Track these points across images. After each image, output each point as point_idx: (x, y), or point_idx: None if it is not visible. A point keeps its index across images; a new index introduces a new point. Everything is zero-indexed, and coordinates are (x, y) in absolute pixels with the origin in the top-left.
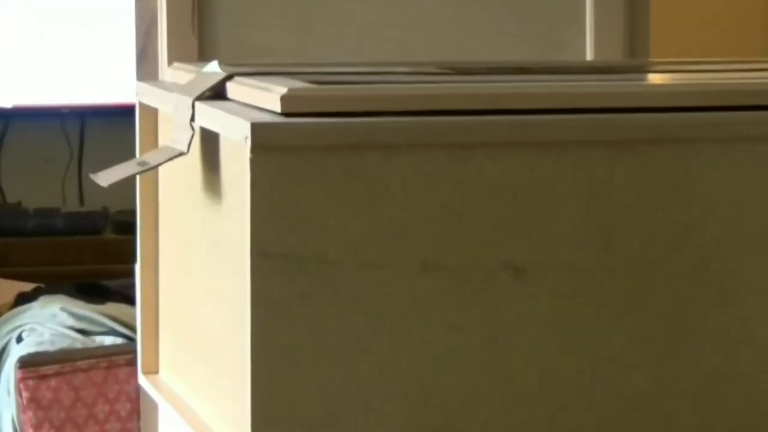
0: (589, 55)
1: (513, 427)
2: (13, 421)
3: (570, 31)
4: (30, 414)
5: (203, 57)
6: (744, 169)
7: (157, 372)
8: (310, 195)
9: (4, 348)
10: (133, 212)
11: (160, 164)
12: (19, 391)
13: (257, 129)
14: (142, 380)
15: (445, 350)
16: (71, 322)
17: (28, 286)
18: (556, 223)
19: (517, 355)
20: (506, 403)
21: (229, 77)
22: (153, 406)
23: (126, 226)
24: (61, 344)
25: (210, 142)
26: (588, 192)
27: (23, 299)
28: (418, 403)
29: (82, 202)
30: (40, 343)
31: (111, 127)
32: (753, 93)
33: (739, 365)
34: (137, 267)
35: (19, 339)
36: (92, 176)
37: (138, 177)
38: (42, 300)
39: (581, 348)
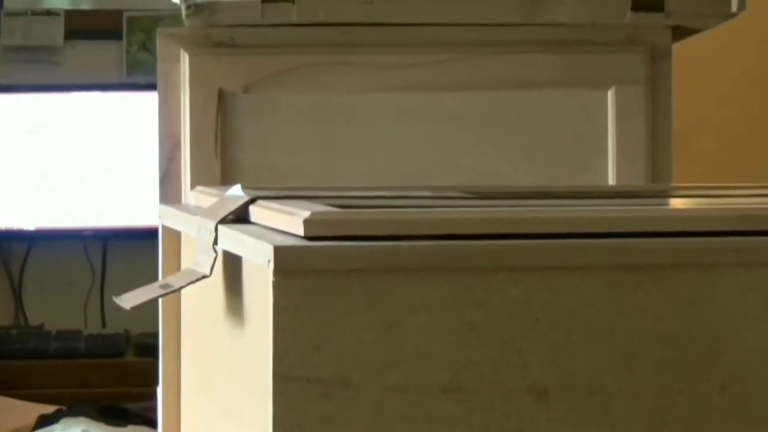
0: (612, 180)
1: None
2: None
3: (593, 156)
4: None
5: (226, 180)
6: (762, 289)
7: None
8: (333, 318)
9: None
10: (154, 335)
11: (183, 287)
12: None
13: (280, 253)
14: None
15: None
16: None
17: (49, 409)
18: (579, 346)
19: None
20: None
21: (252, 201)
22: None
23: (147, 348)
24: None
25: (233, 265)
26: (611, 316)
27: (45, 422)
28: None
29: (104, 324)
30: None
31: (133, 249)
32: None
33: None
34: (159, 389)
35: None
36: (115, 299)
37: (160, 300)
38: (63, 422)
39: None
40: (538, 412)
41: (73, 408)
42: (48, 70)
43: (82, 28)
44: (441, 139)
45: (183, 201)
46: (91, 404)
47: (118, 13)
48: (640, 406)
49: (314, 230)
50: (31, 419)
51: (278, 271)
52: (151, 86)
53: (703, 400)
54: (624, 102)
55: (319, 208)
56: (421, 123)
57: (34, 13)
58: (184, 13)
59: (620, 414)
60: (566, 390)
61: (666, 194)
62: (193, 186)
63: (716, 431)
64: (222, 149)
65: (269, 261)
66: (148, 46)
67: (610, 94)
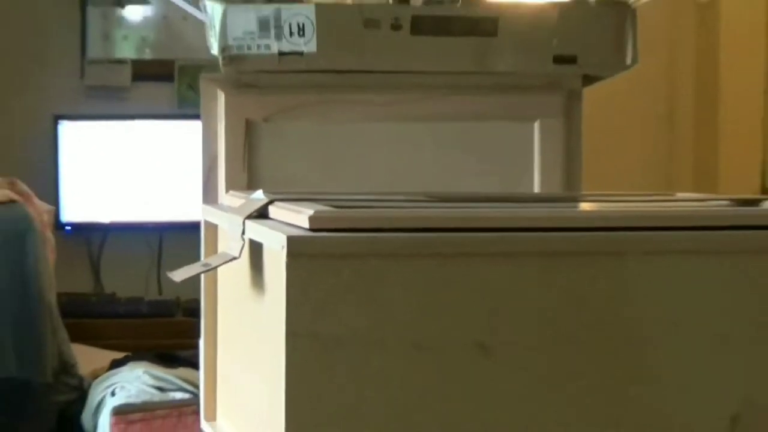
0: (537, 189)
1: None
2: None
3: (524, 171)
4: None
5: (251, 187)
6: (656, 273)
7: (215, 419)
8: (329, 291)
9: (102, 400)
10: (197, 301)
11: (218, 266)
12: None
13: (291, 241)
14: (204, 425)
15: (431, 412)
16: (152, 381)
17: (119, 355)
18: (512, 313)
19: (482, 411)
20: None
21: (270, 202)
22: None
23: (192, 311)
24: (144, 398)
25: (256, 250)
26: (539, 291)
27: (116, 364)
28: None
29: (160, 292)
30: (128, 397)
31: (182, 237)
32: (665, 216)
33: (653, 424)
34: (201, 342)
35: (113, 394)
36: (169, 274)
37: (202, 275)
38: (130, 365)
39: (532, 405)
40: (481, 360)
41: (137, 355)
42: (119, 104)
43: (144, 72)
44: (412, 157)
45: (219, 202)
46: (150, 352)
47: (171, 62)
48: (561, 360)
49: (316, 224)
50: (106, 362)
51: (290, 255)
52: (195, 116)
53: (611, 356)
54: (546, 131)
55: (320, 208)
56: (397, 145)
57: (110, 61)
58: (221, 62)
59: (546, 365)
60: (501, 345)
61: (576, 199)
62: (226, 191)
63: (619, 379)
64: (248, 164)
65: (283, 247)
66: (193, 87)
67: (536, 126)
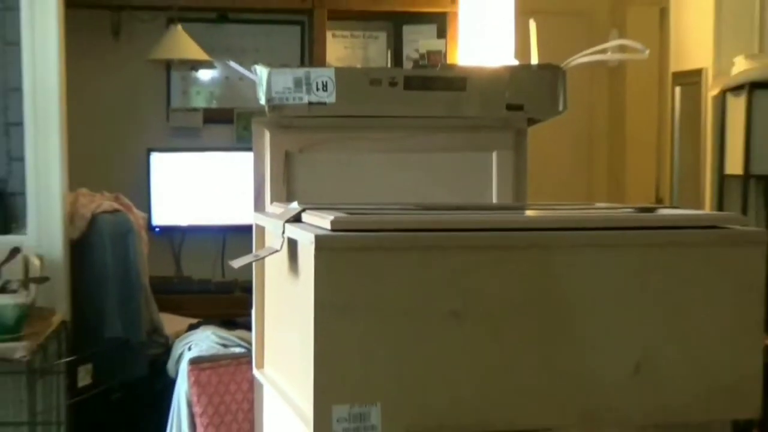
0: (494, 200)
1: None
2: (186, 397)
3: (485, 188)
4: (194, 391)
5: (289, 200)
6: (577, 261)
7: (263, 367)
8: (347, 274)
9: (181, 353)
10: (251, 281)
11: (265, 257)
12: (189, 378)
13: (318, 238)
14: (255, 372)
15: (417, 357)
16: (217, 340)
17: (194, 321)
18: (478, 290)
19: (454, 359)
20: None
21: (303, 210)
22: (261, 386)
23: (247, 289)
24: (212, 352)
25: (292, 245)
26: (495, 274)
27: (191, 328)
28: (415, 381)
29: (223, 276)
30: (200, 351)
31: (239, 236)
32: (586, 220)
33: (577, 370)
34: (253, 311)
35: (189, 348)
36: (230, 262)
37: (254, 263)
38: (201, 328)
39: (492, 356)
40: (455, 327)
41: (207, 321)
42: (194, 140)
43: (212, 117)
44: (404, 177)
45: (266, 210)
46: (216, 319)
47: (231, 110)
48: (507, 322)
49: (336, 226)
50: (184, 326)
51: (317, 249)
52: (248, 149)
53: (543, 318)
54: (501, 160)
55: (339, 214)
56: (393, 169)
57: (187, 109)
58: (266, 110)
59: (497, 326)
60: (468, 313)
61: (524, 208)
62: (271, 202)
63: (551, 339)
64: (286, 183)
65: (312, 243)
66: (247, 128)
67: (494, 155)
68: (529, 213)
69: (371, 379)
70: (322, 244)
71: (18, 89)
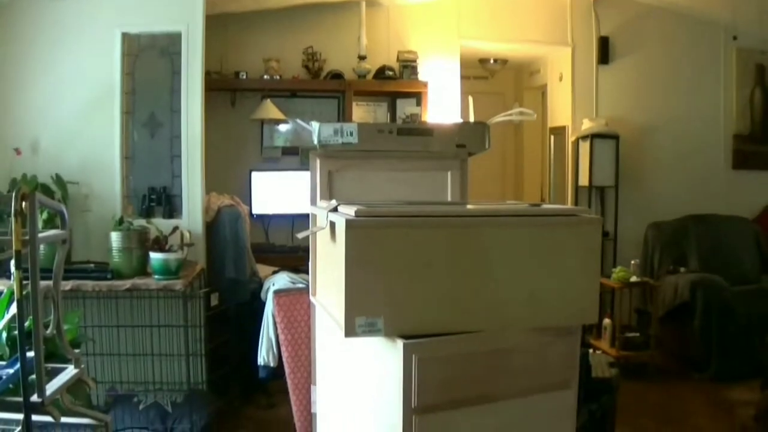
0: (449, 199)
1: (434, 313)
2: (272, 312)
3: (443, 192)
4: (276, 310)
5: (330, 199)
6: (496, 235)
7: (315, 295)
8: (365, 242)
9: (269, 287)
10: (308, 247)
11: (316, 231)
12: (273, 302)
13: (348, 220)
14: (312, 298)
15: (409, 290)
16: (290, 279)
17: (275, 269)
18: (440, 251)
19: (428, 287)
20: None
21: (338, 205)
22: (314, 306)
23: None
24: (286, 286)
25: (333, 225)
26: (448, 242)
27: (274, 273)
28: (403, 304)
29: (293, 242)
30: (280, 286)
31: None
32: (500, 211)
33: (496, 296)
34: (310, 263)
35: (273, 284)
36: (296, 235)
37: (310, 236)
38: (280, 273)
39: (447, 288)
40: (427, 272)
41: (283, 269)
42: (276, 164)
43: (287, 151)
44: (397, 187)
45: (317, 204)
46: (288, 268)
47: (297, 147)
48: (454, 270)
49: (358, 214)
50: (269, 272)
51: (347, 227)
52: (307, 169)
53: (474, 268)
54: (453, 177)
55: (360, 207)
56: (390, 182)
57: (273, 147)
58: (318, 147)
59: (450, 270)
60: (435, 263)
61: (465, 205)
62: (320, 199)
63: (476, 278)
64: (329, 189)
65: (345, 223)
66: (306, 157)
67: (449, 174)
68: (468, 207)
69: (378, 302)
70: (350, 224)
71: (178, 136)
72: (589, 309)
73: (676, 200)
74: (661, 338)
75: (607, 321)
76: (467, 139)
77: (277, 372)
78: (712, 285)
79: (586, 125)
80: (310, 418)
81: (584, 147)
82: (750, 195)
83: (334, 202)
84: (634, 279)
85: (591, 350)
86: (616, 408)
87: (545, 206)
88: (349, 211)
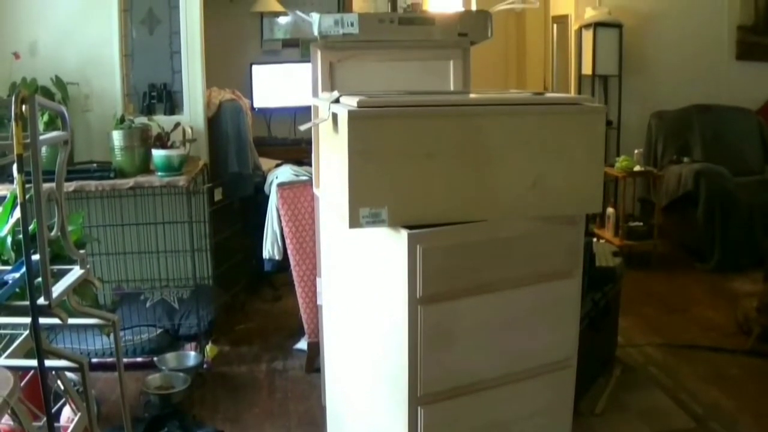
0: (452, 88)
1: (435, 202)
2: (276, 205)
3: (445, 82)
4: (281, 202)
5: (331, 90)
6: (499, 122)
7: (318, 187)
8: (367, 132)
9: (272, 180)
10: (310, 140)
11: (319, 123)
12: (277, 195)
13: (350, 112)
14: (315, 190)
15: (411, 180)
16: (293, 172)
17: (278, 162)
18: (442, 140)
19: (428, 181)
20: (433, 193)
21: (340, 96)
22: (317, 198)
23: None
24: (290, 179)
25: (335, 116)
26: (453, 130)
27: (277, 166)
28: (406, 193)
29: (295, 135)
30: (283, 179)
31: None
32: (503, 100)
33: (499, 185)
34: (312, 156)
35: (276, 177)
36: (299, 127)
37: (312, 127)
38: (283, 166)
39: (449, 177)
40: (429, 162)
41: (286, 162)
42: (277, 57)
43: (287, 44)
44: (400, 76)
45: (319, 96)
46: (291, 160)
47: (297, 39)
48: (458, 157)
49: (361, 105)
50: (273, 165)
51: (350, 118)
52: (308, 61)
53: (477, 154)
54: (455, 66)
55: (362, 98)
56: (392, 72)
57: (273, 40)
58: (318, 39)
59: (453, 160)
60: (436, 155)
61: (468, 93)
62: (321, 91)
63: (480, 164)
64: (330, 81)
65: (347, 114)
66: (307, 49)
67: (451, 63)
68: (471, 96)
69: (381, 193)
70: (352, 115)
71: (177, 32)
72: (593, 198)
73: (679, 90)
74: (664, 228)
75: (610, 210)
76: (469, 28)
77: (282, 265)
78: (715, 175)
79: (589, 14)
80: (315, 310)
81: (587, 36)
82: (753, 86)
83: (336, 94)
84: (637, 168)
85: (595, 239)
86: (620, 297)
87: (548, 95)
88: (352, 101)
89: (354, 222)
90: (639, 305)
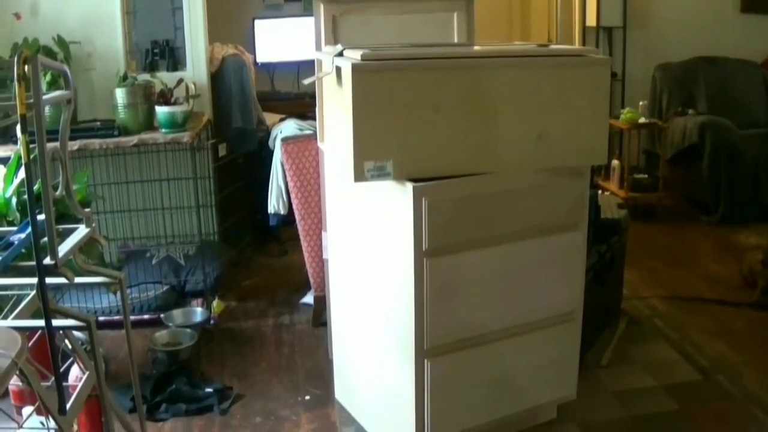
0: (456, 40)
1: (441, 155)
2: (280, 160)
3: (450, 36)
4: (285, 157)
5: (334, 44)
6: (503, 74)
7: (323, 141)
8: (371, 85)
9: (276, 135)
10: (314, 94)
11: (322, 77)
12: (281, 149)
13: (354, 65)
14: (320, 144)
15: (417, 133)
16: (297, 126)
17: (282, 116)
18: (447, 93)
19: (435, 132)
20: (438, 146)
21: (343, 49)
22: (322, 152)
23: (313, 96)
24: (294, 133)
25: (338, 70)
26: (457, 83)
27: (281, 120)
28: (412, 146)
29: (298, 89)
30: (287, 133)
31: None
32: (507, 52)
33: (504, 137)
34: (317, 110)
35: (281, 132)
36: (302, 81)
37: (316, 81)
38: (287, 120)
39: (455, 130)
40: (434, 114)
41: (290, 116)
42: (278, 12)
43: None
44: (404, 29)
45: (322, 50)
46: (295, 114)
47: None
48: (463, 110)
49: (365, 58)
50: (277, 119)
51: (353, 71)
52: (310, 15)
53: (482, 107)
54: (459, 18)
55: (366, 51)
56: (398, 25)
57: None
58: None
59: (457, 113)
60: (442, 107)
61: (472, 45)
62: (325, 45)
63: (486, 115)
64: (333, 34)
65: (351, 68)
66: (309, 3)
67: (455, 15)
68: (475, 48)
69: (386, 146)
70: (356, 68)
71: None
72: (598, 150)
73: (684, 42)
74: (669, 180)
75: (615, 162)
76: None
77: (287, 219)
78: (720, 127)
79: None
80: (321, 264)
81: None
82: (759, 40)
83: (339, 47)
84: (642, 120)
85: (600, 191)
86: (625, 249)
87: (553, 47)
88: (355, 55)
89: (359, 175)
90: (644, 258)
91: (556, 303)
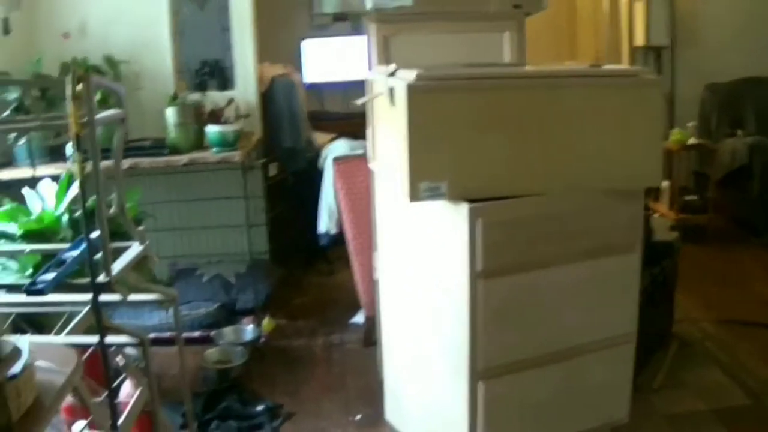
0: (507, 60)
1: (498, 176)
2: (332, 180)
3: (499, 55)
4: (337, 176)
5: (387, 64)
6: (558, 95)
7: (375, 160)
8: (425, 105)
9: (327, 154)
10: (365, 113)
11: (375, 97)
12: (333, 169)
13: (409, 85)
14: (371, 164)
15: (472, 153)
16: (348, 146)
17: (333, 135)
18: (501, 112)
19: (492, 150)
20: (495, 166)
21: (396, 69)
22: (373, 172)
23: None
24: (345, 153)
25: (392, 90)
26: (515, 104)
27: (332, 140)
28: (467, 167)
29: (349, 109)
30: (339, 153)
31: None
32: (561, 72)
33: (558, 159)
34: (368, 130)
35: (331, 151)
36: (354, 102)
37: (368, 102)
38: (338, 141)
39: (512, 150)
40: (489, 135)
41: (340, 136)
42: (327, 31)
43: (337, 17)
44: (453, 50)
45: (374, 70)
46: (346, 134)
47: (345, 13)
48: (524, 131)
49: (419, 78)
50: (327, 139)
51: (409, 91)
52: (358, 34)
53: (544, 127)
54: (511, 38)
55: (420, 71)
56: (447, 44)
57: (323, 14)
58: (373, 11)
59: (516, 136)
60: (497, 127)
61: (523, 66)
62: (377, 64)
63: (558, 130)
64: (385, 55)
65: (407, 86)
66: (356, 23)
67: (506, 35)
68: (526, 68)
69: (441, 166)
70: (411, 88)
71: (227, 7)
72: (652, 171)
73: (733, 61)
74: (719, 201)
75: (665, 183)
76: None
77: (337, 239)
78: None
79: None
80: (371, 284)
81: (639, 6)
82: None
83: (393, 67)
84: (691, 141)
85: (650, 213)
86: (677, 272)
87: (606, 67)
88: (409, 75)
89: (414, 195)
90: (695, 280)
91: (610, 325)
